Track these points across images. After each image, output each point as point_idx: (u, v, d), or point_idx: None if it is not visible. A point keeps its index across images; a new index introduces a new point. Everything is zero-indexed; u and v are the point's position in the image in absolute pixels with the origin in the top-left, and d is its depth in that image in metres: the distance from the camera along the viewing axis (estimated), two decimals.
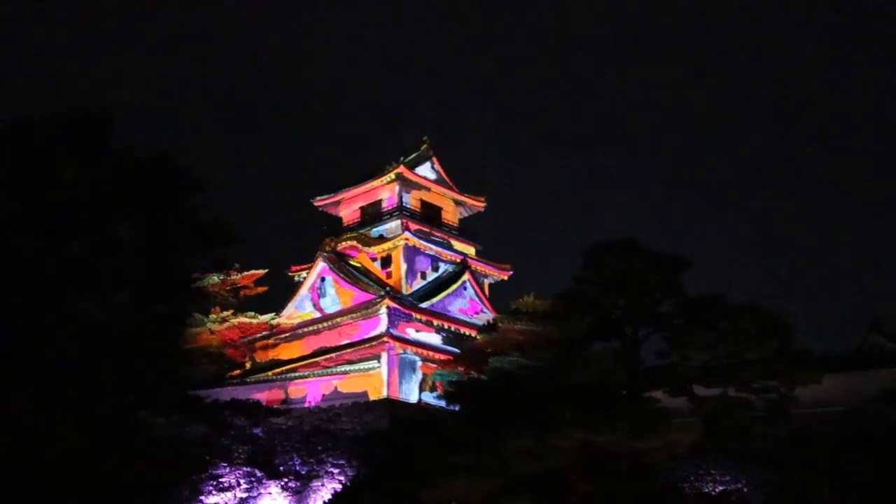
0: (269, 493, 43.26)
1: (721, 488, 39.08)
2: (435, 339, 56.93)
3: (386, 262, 60.66)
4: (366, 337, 55.12)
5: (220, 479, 43.17)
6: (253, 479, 43.56)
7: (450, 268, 61.67)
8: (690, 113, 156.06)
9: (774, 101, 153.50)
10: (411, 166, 62.96)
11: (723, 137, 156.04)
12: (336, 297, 59.24)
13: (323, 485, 43.99)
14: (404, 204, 62.27)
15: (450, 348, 55.47)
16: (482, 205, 66.44)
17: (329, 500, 41.81)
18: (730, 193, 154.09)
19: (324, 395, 54.06)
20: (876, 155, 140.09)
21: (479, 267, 62.95)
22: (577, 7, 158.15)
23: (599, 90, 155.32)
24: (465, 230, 65.87)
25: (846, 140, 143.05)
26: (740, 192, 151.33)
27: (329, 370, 55.29)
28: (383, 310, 54.91)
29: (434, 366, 54.34)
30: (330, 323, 57.65)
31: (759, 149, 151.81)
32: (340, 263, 59.99)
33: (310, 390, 54.50)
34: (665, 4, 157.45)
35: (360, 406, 49.76)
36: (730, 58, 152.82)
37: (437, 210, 64.62)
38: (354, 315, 56.43)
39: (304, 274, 61.91)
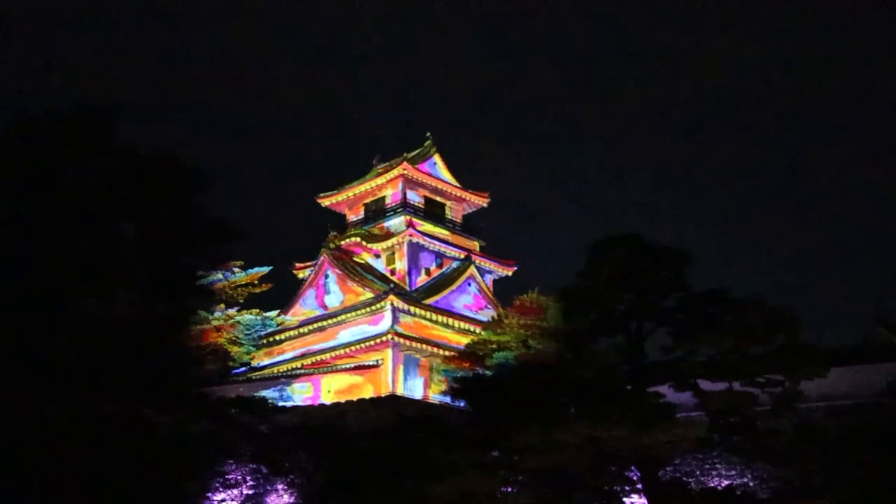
0: (276, 490, 43.32)
1: (727, 483, 39.08)
2: (440, 335, 56.95)
3: (390, 258, 60.72)
4: (371, 333, 55.16)
5: (226, 476, 43.27)
6: (259, 475, 43.64)
7: (454, 264, 61.69)
8: (694, 110, 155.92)
9: (777, 100, 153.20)
10: (415, 163, 63.01)
11: (727, 135, 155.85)
12: (340, 293, 59.30)
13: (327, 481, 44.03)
14: (408, 201, 62.31)
15: (454, 344, 55.49)
16: (486, 201, 66.46)
17: (334, 496, 41.83)
18: (734, 189, 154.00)
19: (329, 392, 54.16)
20: (877, 149, 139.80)
21: (484, 263, 62.98)
22: (580, 6, 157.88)
23: (603, 86, 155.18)
24: (469, 226, 65.93)
25: (847, 138, 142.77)
26: (744, 189, 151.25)
27: (334, 367, 55.37)
28: (388, 306, 54.95)
29: (439, 362, 54.39)
30: (335, 320, 57.71)
31: (763, 147, 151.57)
32: (345, 260, 60.03)
33: (315, 387, 54.61)
34: (669, 3, 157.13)
35: (365, 402, 49.82)
36: (734, 56, 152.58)
37: (440, 206, 64.66)
38: (359, 312, 56.49)
39: (308, 271, 62.00)
